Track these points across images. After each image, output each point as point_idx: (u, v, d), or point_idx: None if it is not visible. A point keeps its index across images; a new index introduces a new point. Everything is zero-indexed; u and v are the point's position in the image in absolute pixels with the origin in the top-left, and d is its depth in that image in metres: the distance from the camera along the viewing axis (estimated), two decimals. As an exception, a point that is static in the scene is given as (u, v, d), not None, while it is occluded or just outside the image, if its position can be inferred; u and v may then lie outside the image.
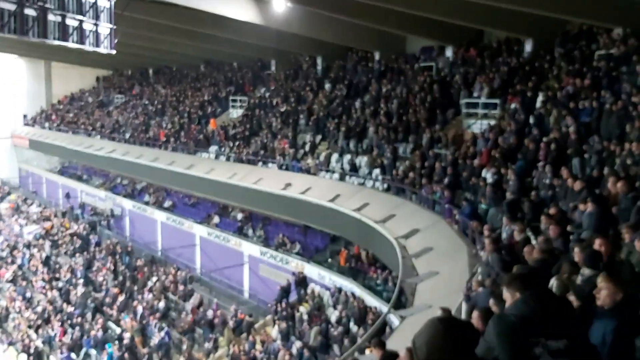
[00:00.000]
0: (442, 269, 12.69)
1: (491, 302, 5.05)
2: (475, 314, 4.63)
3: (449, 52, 24.49)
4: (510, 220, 10.90)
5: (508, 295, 3.18)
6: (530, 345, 2.64)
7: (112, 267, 28.87)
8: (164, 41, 34.16)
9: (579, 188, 9.43)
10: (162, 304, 23.97)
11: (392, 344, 9.32)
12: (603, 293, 3.84)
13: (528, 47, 21.27)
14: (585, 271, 4.82)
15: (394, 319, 12.92)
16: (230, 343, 20.35)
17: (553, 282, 4.82)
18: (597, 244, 5.51)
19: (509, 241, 10.18)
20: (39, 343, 23.52)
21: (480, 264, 9.95)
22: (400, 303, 13.57)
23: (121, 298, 25.63)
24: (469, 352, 2.41)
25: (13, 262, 32.26)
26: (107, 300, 25.81)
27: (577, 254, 5.87)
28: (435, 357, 2.36)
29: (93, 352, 22.41)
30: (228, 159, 28.29)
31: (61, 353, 22.48)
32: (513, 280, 3.24)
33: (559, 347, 2.61)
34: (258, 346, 19.83)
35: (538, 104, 17.18)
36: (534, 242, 9.54)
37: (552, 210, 9.35)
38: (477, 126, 19.46)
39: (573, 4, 17.89)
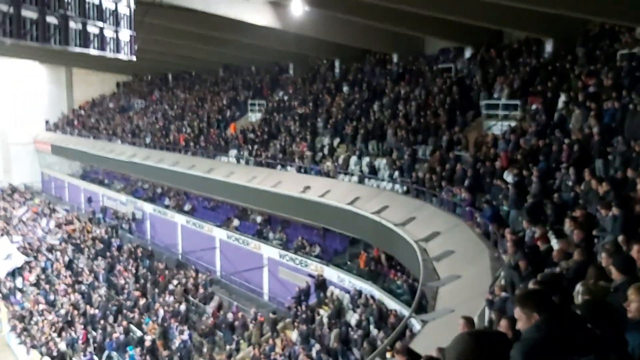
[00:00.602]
0: (464, 272, 12.58)
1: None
2: (503, 322, 4.54)
3: (468, 53, 24.33)
4: (531, 223, 10.78)
5: (523, 316, 3.01)
6: None
7: (134, 271, 29.13)
8: (183, 46, 34.43)
9: (604, 190, 9.25)
10: (183, 307, 24.11)
11: (413, 348, 9.25)
12: (633, 306, 3.68)
13: (548, 47, 21.04)
14: (617, 278, 4.65)
15: (415, 323, 12.85)
16: (257, 342, 20.55)
17: (578, 288, 4.72)
18: (636, 251, 5.26)
19: (531, 243, 10.06)
20: (62, 346, 23.76)
21: (503, 268, 9.83)
22: (422, 307, 13.48)
23: (143, 301, 25.84)
24: None
25: (37, 266, 32.67)
26: (129, 303, 26.01)
27: (604, 259, 5.75)
28: None
29: (115, 354, 22.59)
30: (247, 162, 28.41)
31: (84, 355, 22.71)
32: (527, 299, 3.10)
33: None
34: (278, 349, 19.86)
35: (560, 105, 16.97)
36: (555, 245, 9.44)
37: (578, 213, 9.18)
38: (498, 127, 19.29)
39: (594, 3, 17.62)
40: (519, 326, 2.99)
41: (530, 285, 5.29)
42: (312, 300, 22.31)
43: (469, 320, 7.15)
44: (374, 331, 18.08)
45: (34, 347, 24.72)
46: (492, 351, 2.35)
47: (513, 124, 18.47)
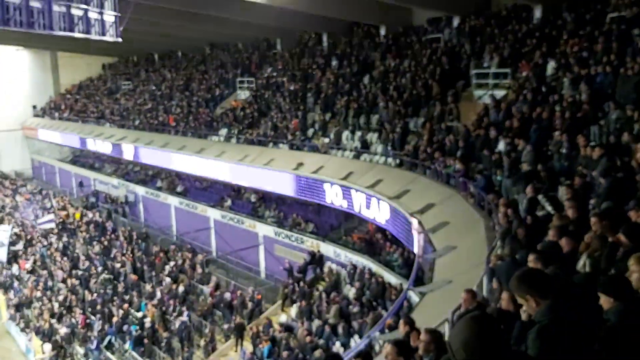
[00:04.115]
0: (460, 243, 12.63)
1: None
2: (505, 295, 4.55)
3: (456, 23, 24.11)
4: (534, 190, 10.74)
5: (522, 300, 2.94)
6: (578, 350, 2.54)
7: (130, 254, 29.12)
8: (168, 25, 33.90)
9: (597, 156, 9.22)
10: (181, 288, 24.16)
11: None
12: (634, 276, 3.60)
13: (537, 13, 20.87)
14: (627, 246, 4.59)
15: (413, 295, 12.93)
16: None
17: (584, 261, 4.70)
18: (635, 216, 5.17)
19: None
20: (62, 332, 23.81)
21: (500, 237, 9.86)
22: (419, 279, 13.55)
23: (140, 284, 25.88)
24: (506, 348, 2.33)
25: (32, 253, 32.58)
26: (126, 286, 26.04)
27: (594, 224, 5.72)
28: (474, 358, 2.29)
29: (115, 338, 22.66)
30: (238, 141, 28.26)
31: (90, 342, 22.75)
32: (519, 282, 2.97)
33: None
34: (276, 326, 19.99)
35: (550, 71, 16.91)
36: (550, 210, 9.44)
37: (576, 181, 9.15)
38: (489, 97, 19.20)
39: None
40: (525, 309, 2.90)
41: (531, 257, 5.28)
42: (309, 276, 22.40)
43: (472, 294, 7.11)
44: (372, 304, 18.20)
45: (35, 333, 24.76)
46: (497, 335, 2.32)
47: (504, 92, 18.41)
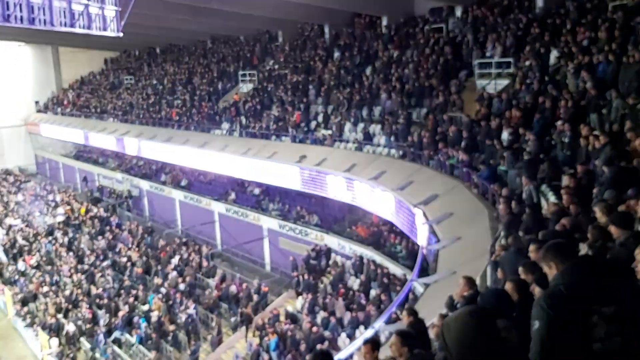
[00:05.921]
0: (464, 233, 12.65)
1: (520, 270, 4.96)
2: (509, 285, 4.55)
3: (458, 12, 24.01)
4: (529, 179, 10.79)
5: (546, 267, 3.03)
6: (584, 315, 2.49)
7: (135, 248, 29.24)
8: (170, 19, 33.86)
9: (601, 144, 9.19)
10: (186, 282, 24.27)
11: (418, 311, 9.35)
12: None
13: (540, 2, 20.76)
14: (617, 234, 4.64)
15: (417, 286, 12.97)
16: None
17: (586, 252, 4.71)
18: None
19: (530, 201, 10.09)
20: (69, 327, 23.94)
21: (504, 228, 9.87)
22: (424, 270, 13.58)
23: (146, 278, 25.99)
24: (504, 347, 2.26)
25: (38, 249, 32.73)
26: (133, 280, 26.16)
27: (598, 214, 5.74)
28: (470, 356, 2.18)
29: (121, 332, 22.77)
30: (241, 134, 28.28)
31: (97, 336, 22.86)
32: (546, 251, 3.07)
33: (611, 313, 2.48)
34: (282, 318, 20.09)
35: (552, 60, 16.83)
36: (552, 200, 9.46)
37: (579, 169, 9.12)
38: (492, 86, 19.16)
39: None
40: (550, 278, 2.97)
41: (531, 246, 5.29)
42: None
43: (470, 281, 7.13)
44: (378, 295, 18.27)
45: (41, 328, 24.89)
46: (496, 332, 2.25)
47: (507, 82, 18.35)
